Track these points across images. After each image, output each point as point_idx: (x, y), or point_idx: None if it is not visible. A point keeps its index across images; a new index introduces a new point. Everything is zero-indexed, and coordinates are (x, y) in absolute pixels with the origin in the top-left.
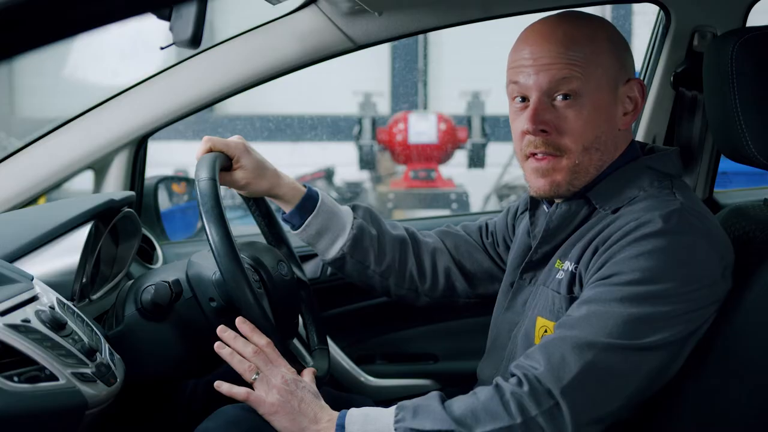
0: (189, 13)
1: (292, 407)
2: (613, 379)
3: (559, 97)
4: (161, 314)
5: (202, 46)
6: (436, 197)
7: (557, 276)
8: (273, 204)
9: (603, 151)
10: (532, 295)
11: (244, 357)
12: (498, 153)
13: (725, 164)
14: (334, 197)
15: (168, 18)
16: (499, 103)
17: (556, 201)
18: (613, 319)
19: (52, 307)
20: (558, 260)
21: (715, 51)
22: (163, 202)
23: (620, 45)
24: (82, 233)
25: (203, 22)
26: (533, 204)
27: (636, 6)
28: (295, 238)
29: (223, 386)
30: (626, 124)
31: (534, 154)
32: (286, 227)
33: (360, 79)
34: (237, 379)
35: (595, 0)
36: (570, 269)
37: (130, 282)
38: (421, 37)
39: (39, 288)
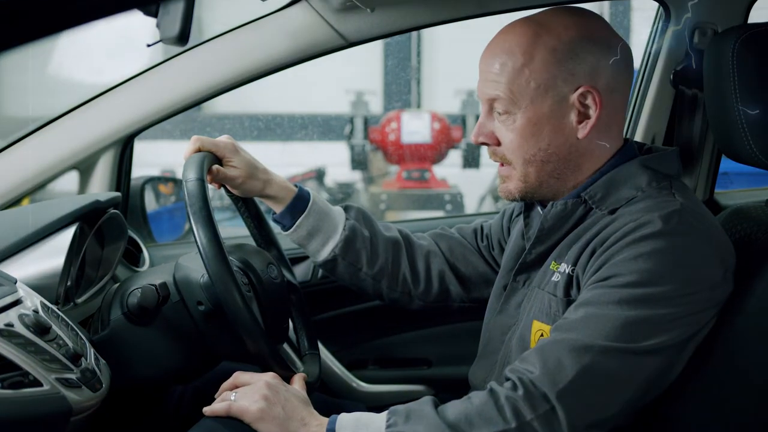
0: (176, 9)
1: (278, 412)
2: (610, 383)
3: (497, 112)
4: (148, 318)
5: (190, 44)
6: (430, 198)
7: (553, 278)
8: (263, 205)
9: (557, 162)
10: (527, 298)
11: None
12: None
13: (726, 164)
14: (326, 198)
15: (155, 14)
16: None
17: (551, 201)
18: (611, 322)
19: (35, 311)
20: (553, 262)
21: (716, 48)
22: (150, 203)
23: (567, 53)
24: (67, 235)
25: (191, 19)
26: (528, 206)
27: (635, 2)
28: (286, 240)
29: (206, 411)
30: (587, 133)
31: None
32: (276, 228)
33: (352, 77)
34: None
35: None
36: (567, 272)
37: (116, 285)
38: (414, 34)
39: (22, 291)
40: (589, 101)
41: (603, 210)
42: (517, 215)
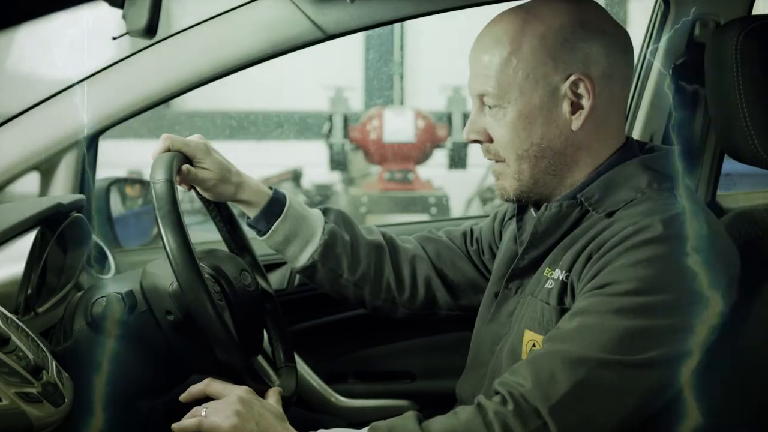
0: None
1: (251, 429)
2: (607, 397)
3: (487, 106)
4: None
5: (158, 36)
6: (414, 201)
7: (546, 285)
8: (236, 208)
9: (552, 157)
10: (519, 306)
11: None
12: (481, 153)
13: (729, 165)
14: (303, 201)
15: (120, 5)
16: None
17: (545, 203)
18: (607, 333)
19: None
20: (547, 268)
21: (718, 41)
22: (116, 206)
23: (558, 40)
24: (27, 240)
25: (159, 10)
26: (521, 208)
27: None
28: (260, 246)
29: (175, 427)
30: (581, 124)
31: None
32: (250, 233)
33: (330, 72)
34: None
35: None
36: (561, 278)
37: (80, 294)
38: (397, 26)
39: None
40: (582, 90)
41: (600, 213)
42: (510, 218)
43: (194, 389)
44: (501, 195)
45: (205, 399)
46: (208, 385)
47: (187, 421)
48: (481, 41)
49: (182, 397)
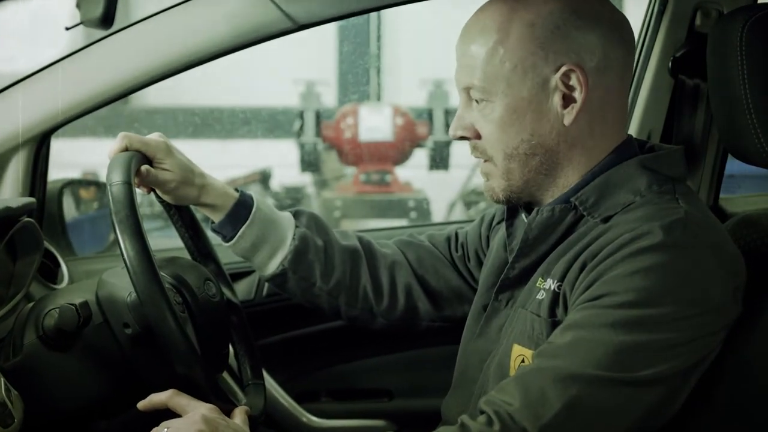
0: None
1: None
2: (601, 418)
3: (474, 100)
4: (67, 343)
5: (115, 26)
6: (392, 204)
7: (538, 296)
8: (199, 213)
9: (544, 155)
10: (509, 320)
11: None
12: (464, 152)
13: (732, 165)
14: (272, 204)
15: None
16: None
17: (536, 207)
18: (602, 348)
19: None
20: (540, 278)
21: (721, 32)
22: (69, 210)
23: (548, 27)
24: None
25: None
26: (511, 212)
27: None
28: (226, 253)
29: None
30: (573, 118)
31: None
32: (215, 239)
33: (302, 65)
34: (159, 417)
35: None
36: (553, 288)
37: (30, 305)
38: (374, 16)
39: None
40: (574, 82)
41: (596, 218)
42: (498, 222)
43: (155, 398)
44: (490, 196)
45: (164, 411)
46: (171, 397)
47: None
48: (467, 30)
49: (141, 405)
